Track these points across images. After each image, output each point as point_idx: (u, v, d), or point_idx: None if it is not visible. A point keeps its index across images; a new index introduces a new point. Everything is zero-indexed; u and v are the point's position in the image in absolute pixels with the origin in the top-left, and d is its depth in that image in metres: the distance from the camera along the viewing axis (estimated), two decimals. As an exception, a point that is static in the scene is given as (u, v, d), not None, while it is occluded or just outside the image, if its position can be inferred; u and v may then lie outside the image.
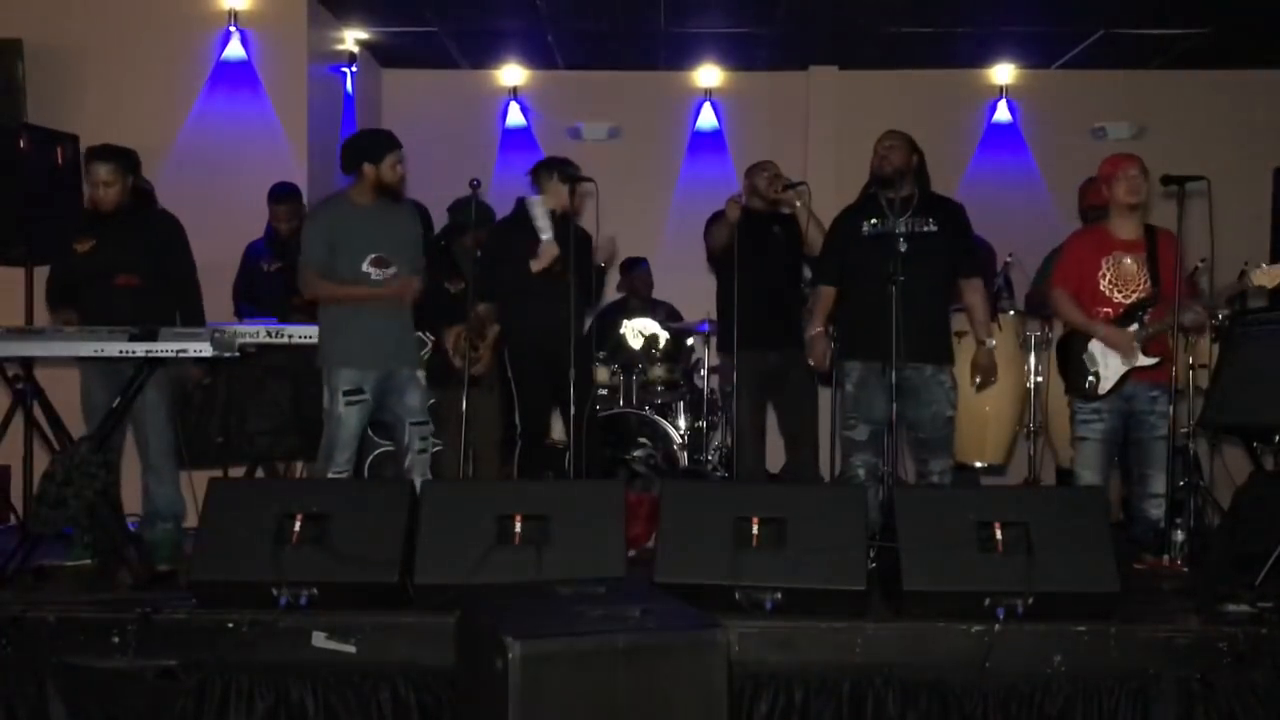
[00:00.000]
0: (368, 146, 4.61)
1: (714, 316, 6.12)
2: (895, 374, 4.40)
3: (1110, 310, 4.55)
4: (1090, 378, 4.52)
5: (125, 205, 4.65)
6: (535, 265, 4.91)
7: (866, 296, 4.55)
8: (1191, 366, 5.09)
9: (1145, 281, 4.52)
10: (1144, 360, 4.44)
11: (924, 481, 4.67)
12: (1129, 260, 4.55)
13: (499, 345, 5.44)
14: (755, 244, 5.17)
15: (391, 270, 4.56)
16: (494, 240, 5.16)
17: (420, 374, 4.72)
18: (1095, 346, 4.53)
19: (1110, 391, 4.50)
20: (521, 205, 5.09)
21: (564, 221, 5.00)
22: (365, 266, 4.53)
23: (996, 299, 5.62)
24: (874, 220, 4.64)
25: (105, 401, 4.46)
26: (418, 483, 4.58)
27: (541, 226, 4.94)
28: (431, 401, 4.88)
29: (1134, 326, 4.48)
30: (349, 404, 4.48)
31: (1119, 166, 4.59)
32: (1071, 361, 4.61)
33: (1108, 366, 4.49)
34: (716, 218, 5.48)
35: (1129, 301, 4.52)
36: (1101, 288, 4.56)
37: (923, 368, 4.53)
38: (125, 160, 4.67)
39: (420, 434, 4.64)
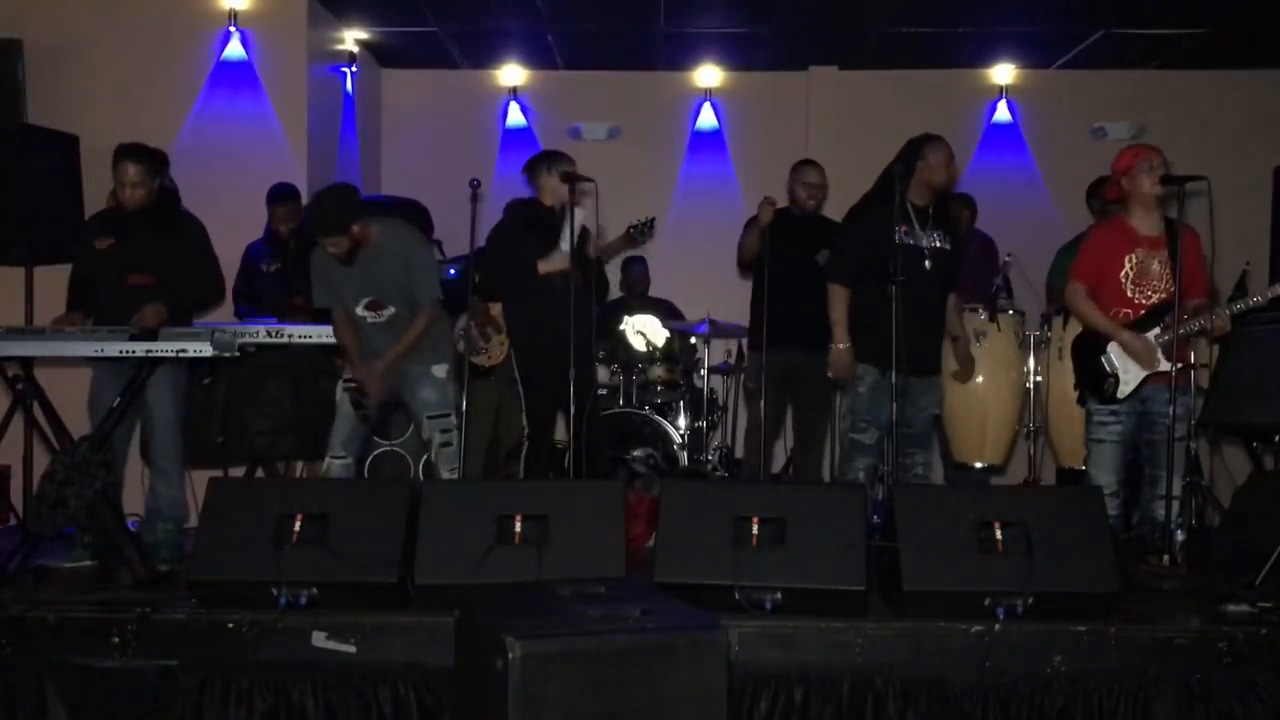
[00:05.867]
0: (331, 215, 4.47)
1: (714, 317, 6.16)
2: (904, 381, 4.45)
3: (1130, 312, 4.39)
4: (1110, 380, 4.39)
5: (149, 206, 4.60)
6: (544, 268, 4.85)
7: (890, 303, 4.44)
8: (1192, 366, 5.07)
9: (1167, 282, 4.35)
10: (1165, 365, 4.28)
11: (910, 475, 4.72)
12: (1152, 259, 4.38)
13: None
14: (789, 242, 5.15)
15: (390, 311, 4.54)
16: (497, 242, 5.10)
17: (437, 369, 4.70)
18: (1114, 348, 4.39)
19: (1130, 395, 4.39)
20: (522, 207, 5.03)
21: (563, 218, 4.97)
22: (360, 310, 4.56)
23: (995, 298, 5.62)
24: (904, 229, 4.56)
25: (113, 402, 4.46)
26: (445, 476, 4.64)
27: (566, 235, 4.85)
28: None
29: (1156, 330, 4.33)
30: (344, 389, 4.60)
31: (1140, 156, 4.41)
32: (1089, 363, 4.48)
33: (1128, 370, 4.36)
34: (753, 223, 5.48)
35: (1149, 303, 4.37)
36: (1123, 287, 4.40)
37: (928, 375, 4.72)
38: (154, 161, 4.60)
39: (440, 427, 4.65)
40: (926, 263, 4.60)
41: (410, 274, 4.52)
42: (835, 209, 5.09)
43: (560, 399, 4.78)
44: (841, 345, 4.69)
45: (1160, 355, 4.32)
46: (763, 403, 5.24)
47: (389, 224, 4.59)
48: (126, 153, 4.55)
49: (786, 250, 5.20)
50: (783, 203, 5.53)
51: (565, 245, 4.82)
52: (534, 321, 4.93)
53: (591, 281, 5.10)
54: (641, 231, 5.12)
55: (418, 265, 4.54)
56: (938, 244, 4.66)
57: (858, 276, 4.66)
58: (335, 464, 4.59)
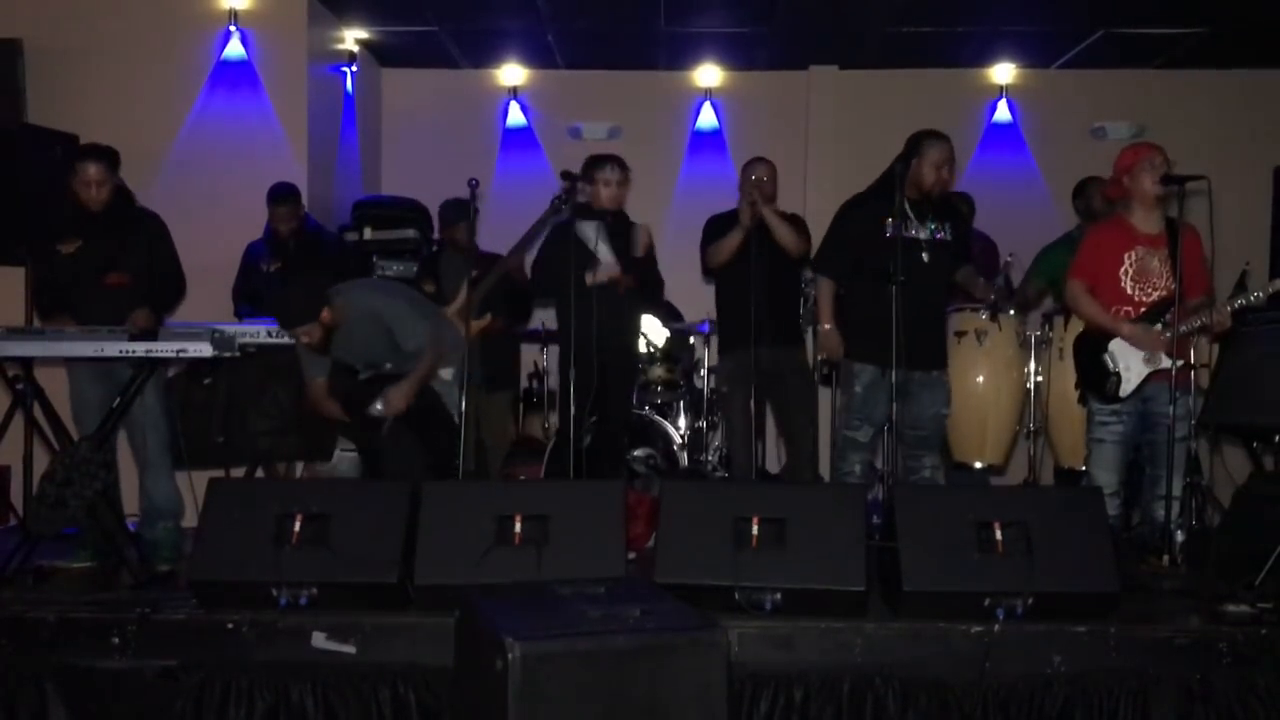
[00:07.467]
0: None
1: (715, 316, 6.13)
2: (904, 377, 4.42)
3: (1130, 309, 4.39)
4: (1112, 379, 4.38)
5: (111, 205, 4.61)
6: (590, 280, 4.84)
7: (886, 299, 4.41)
8: (1193, 366, 5.07)
9: (1167, 279, 4.34)
10: (1167, 363, 4.27)
11: (916, 478, 4.70)
12: (1152, 257, 4.38)
13: (481, 336, 5.44)
14: (756, 243, 5.13)
15: (389, 368, 4.77)
16: (549, 247, 5.08)
17: (444, 372, 4.82)
18: (1116, 346, 4.38)
19: (1131, 394, 4.39)
20: (578, 210, 5.03)
21: (616, 221, 5.00)
22: (364, 375, 4.84)
23: (996, 299, 5.61)
24: (899, 222, 4.53)
25: (97, 399, 4.47)
26: None
27: (601, 252, 4.87)
28: None
29: (1157, 327, 4.33)
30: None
31: (1143, 154, 4.39)
32: (1090, 362, 4.47)
33: (1129, 368, 4.36)
34: (714, 221, 5.44)
35: (1150, 300, 4.37)
36: (1123, 285, 4.40)
37: (930, 371, 4.66)
38: (112, 159, 4.62)
39: None
40: (924, 255, 4.58)
41: (390, 336, 4.67)
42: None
43: (598, 399, 4.80)
44: (827, 325, 4.71)
45: (1163, 349, 4.31)
46: (752, 403, 5.23)
47: (353, 295, 4.70)
48: (86, 153, 4.60)
49: (754, 251, 5.11)
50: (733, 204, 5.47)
51: (605, 256, 4.85)
52: (579, 325, 4.89)
53: (641, 282, 5.09)
54: (561, 204, 5.13)
55: (394, 325, 4.67)
56: (936, 235, 4.65)
57: (848, 271, 4.64)
58: (346, 456, 4.86)
